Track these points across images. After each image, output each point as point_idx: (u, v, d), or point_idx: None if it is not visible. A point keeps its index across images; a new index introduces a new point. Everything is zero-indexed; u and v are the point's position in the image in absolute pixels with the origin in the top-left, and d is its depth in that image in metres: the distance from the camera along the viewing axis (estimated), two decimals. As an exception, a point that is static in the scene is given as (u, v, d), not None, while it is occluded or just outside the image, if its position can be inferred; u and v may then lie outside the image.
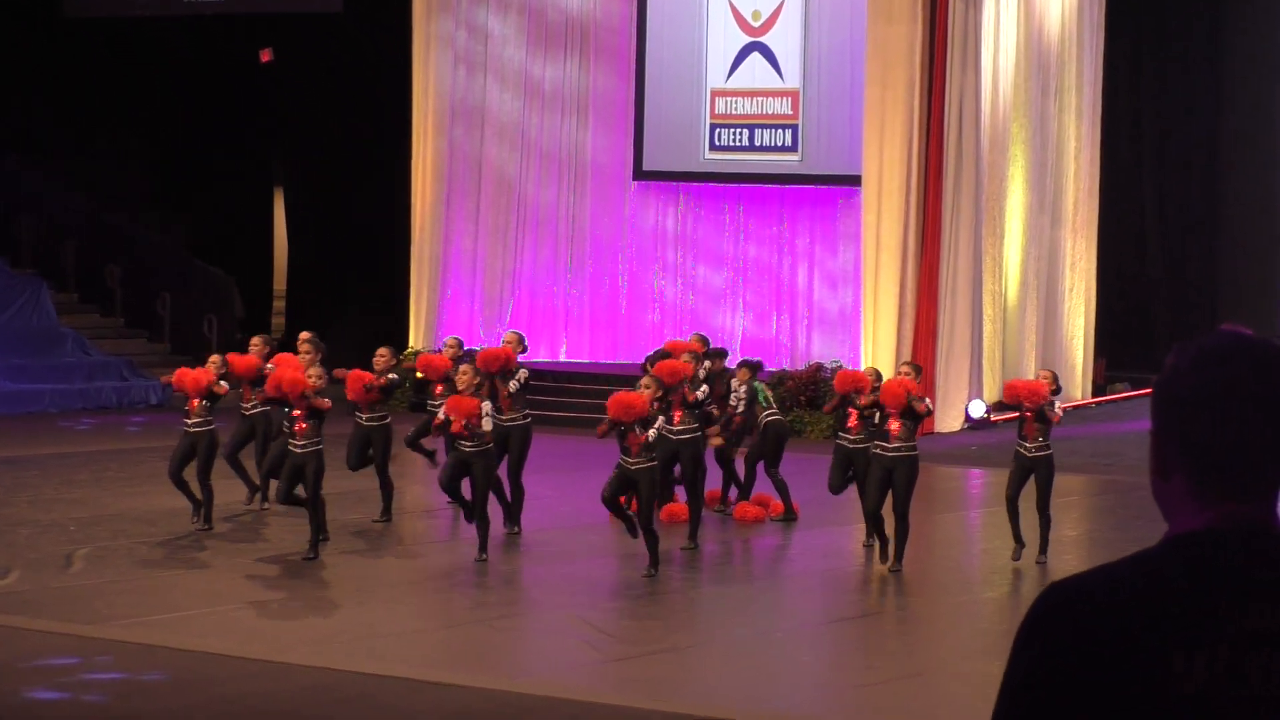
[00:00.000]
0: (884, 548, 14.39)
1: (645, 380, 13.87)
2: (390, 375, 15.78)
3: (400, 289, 25.35)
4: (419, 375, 17.16)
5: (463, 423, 13.81)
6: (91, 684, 10.74)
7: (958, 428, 22.75)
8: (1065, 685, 2.43)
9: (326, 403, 14.08)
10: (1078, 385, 25.03)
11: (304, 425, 13.99)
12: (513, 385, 15.71)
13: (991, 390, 22.88)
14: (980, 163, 22.82)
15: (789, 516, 16.29)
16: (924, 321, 22.59)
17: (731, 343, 25.19)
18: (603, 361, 25.53)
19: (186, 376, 15.12)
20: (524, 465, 15.57)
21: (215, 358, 15.54)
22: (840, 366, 20.93)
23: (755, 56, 24.63)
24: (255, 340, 16.30)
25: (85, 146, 28.26)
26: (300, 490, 14.16)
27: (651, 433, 13.67)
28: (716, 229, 25.58)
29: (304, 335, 16.02)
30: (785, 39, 24.42)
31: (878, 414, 14.44)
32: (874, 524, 14.43)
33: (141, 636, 11.66)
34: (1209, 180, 26.46)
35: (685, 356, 15.72)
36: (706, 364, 15.89)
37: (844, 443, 14.93)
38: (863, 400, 14.55)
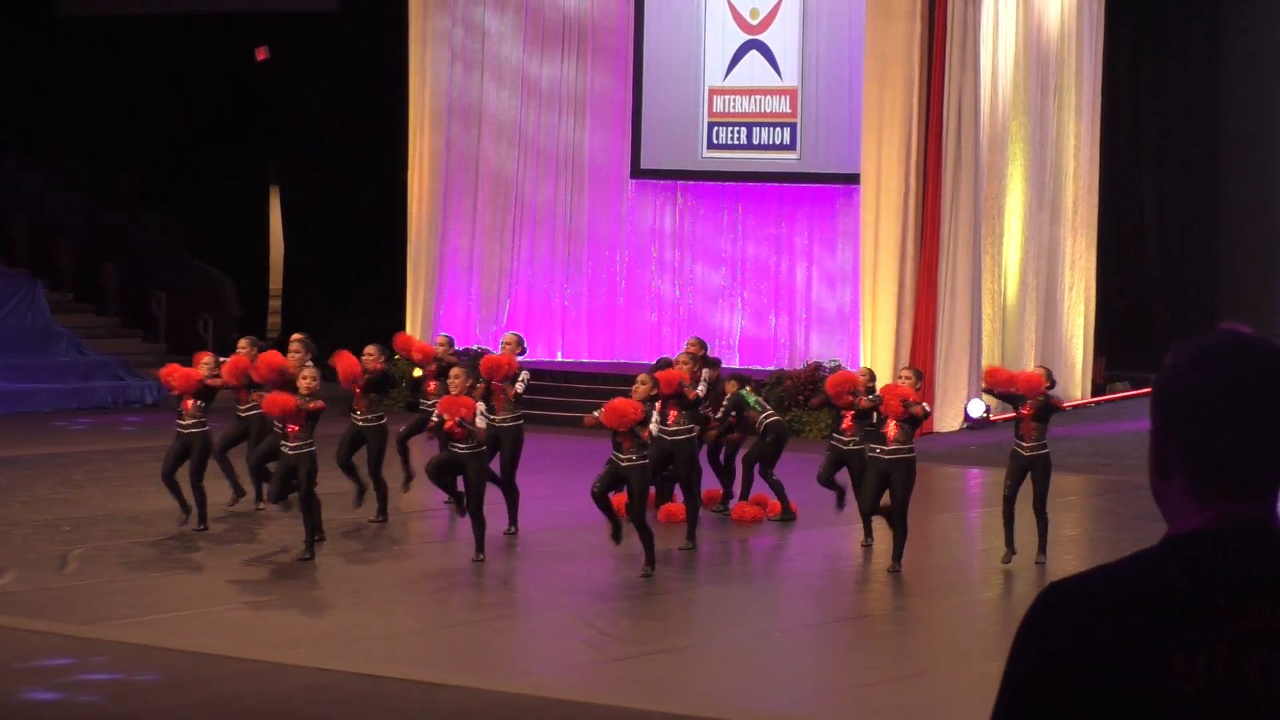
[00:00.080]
0: (868, 534, 14.51)
1: (643, 376, 13.81)
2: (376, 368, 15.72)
3: (397, 288, 25.30)
4: (416, 374, 17.11)
5: (456, 420, 13.75)
6: (87, 684, 10.74)
7: (957, 427, 22.71)
8: (1065, 685, 2.42)
9: (319, 403, 14.03)
10: (1077, 384, 24.99)
11: (295, 427, 13.93)
12: (519, 386, 15.70)
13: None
14: (979, 161, 22.77)
15: (786, 516, 16.24)
16: (923, 320, 22.55)
17: (730, 342, 25.18)
18: (600, 361, 25.48)
19: (176, 373, 15.04)
20: (517, 466, 15.52)
21: (208, 357, 15.41)
22: (839, 366, 20.87)
23: (753, 54, 24.58)
24: (243, 342, 16.17)
25: (80, 145, 28.21)
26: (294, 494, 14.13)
27: (653, 427, 13.65)
28: (714, 228, 25.53)
29: (295, 336, 15.96)
30: (783, 37, 24.37)
31: (875, 415, 14.39)
32: (870, 523, 14.42)
33: (137, 637, 11.64)
34: (1209, 179, 26.43)
35: (682, 356, 15.72)
36: (706, 373, 15.93)
37: (838, 444, 14.83)
38: (862, 402, 14.48)
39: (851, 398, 14.60)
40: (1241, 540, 2.47)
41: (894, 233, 22.60)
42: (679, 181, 25.52)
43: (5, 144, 27.44)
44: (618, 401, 13.59)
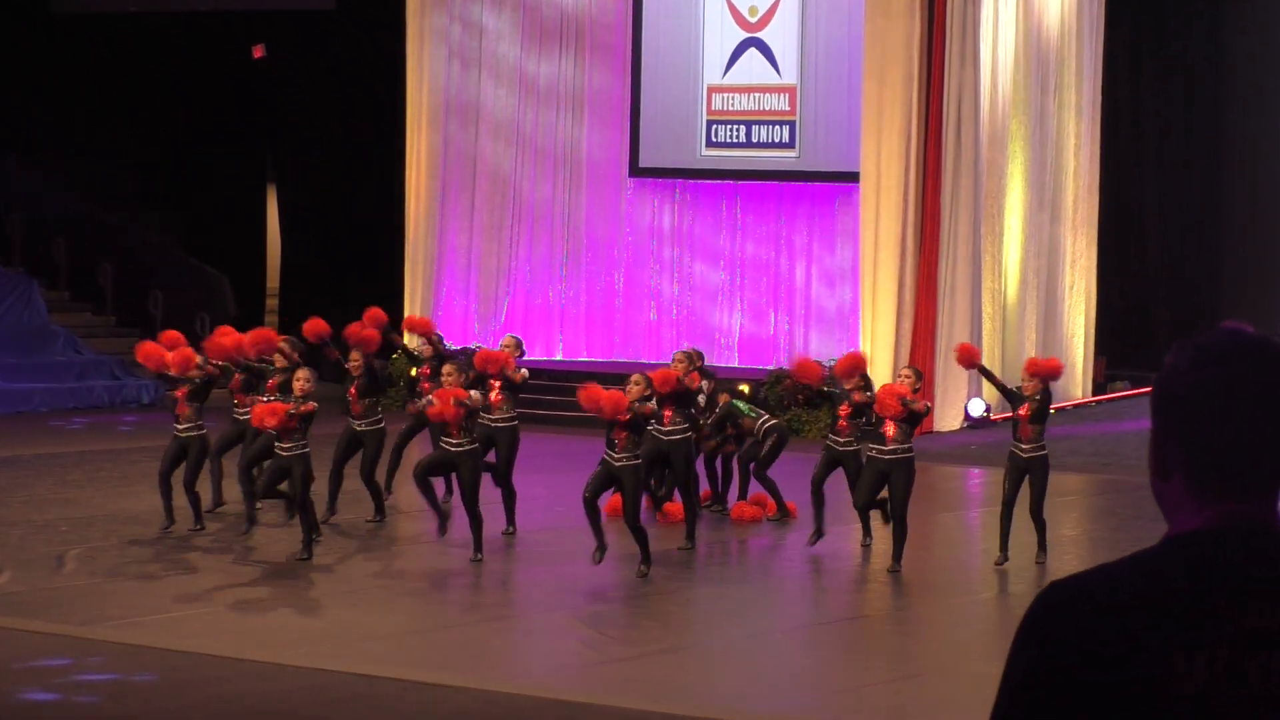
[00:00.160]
0: (866, 532, 14.37)
1: (636, 376, 13.72)
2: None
3: (395, 286, 25.25)
4: (414, 373, 17.07)
5: (451, 400, 13.65)
6: (84, 685, 10.73)
7: (957, 427, 22.67)
8: (1065, 685, 2.42)
9: (311, 405, 13.98)
10: (1078, 384, 24.95)
11: (290, 431, 13.87)
12: (524, 372, 15.68)
13: (991, 389, 22.76)
14: (979, 160, 22.73)
15: (783, 515, 16.20)
16: (923, 319, 22.51)
17: (729, 340, 25.14)
18: (599, 360, 25.43)
19: (155, 354, 14.95)
20: (513, 466, 15.46)
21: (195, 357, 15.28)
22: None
23: (752, 52, 24.53)
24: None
25: (77, 143, 28.15)
26: (284, 485, 14.08)
27: (651, 404, 13.61)
28: (713, 226, 25.48)
29: (282, 338, 15.84)
30: (782, 34, 24.32)
31: (872, 415, 14.35)
32: (866, 519, 14.35)
33: (134, 637, 11.62)
34: (1209, 177, 26.38)
35: (678, 355, 15.71)
36: (705, 385, 15.97)
37: (834, 445, 14.65)
38: (857, 396, 14.41)
39: (861, 380, 14.56)
40: (1241, 540, 2.47)
41: (894, 231, 22.56)
42: (678, 180, 25.47)
43: (0, 142, 27.38)
44: (591, 390, 13.54)
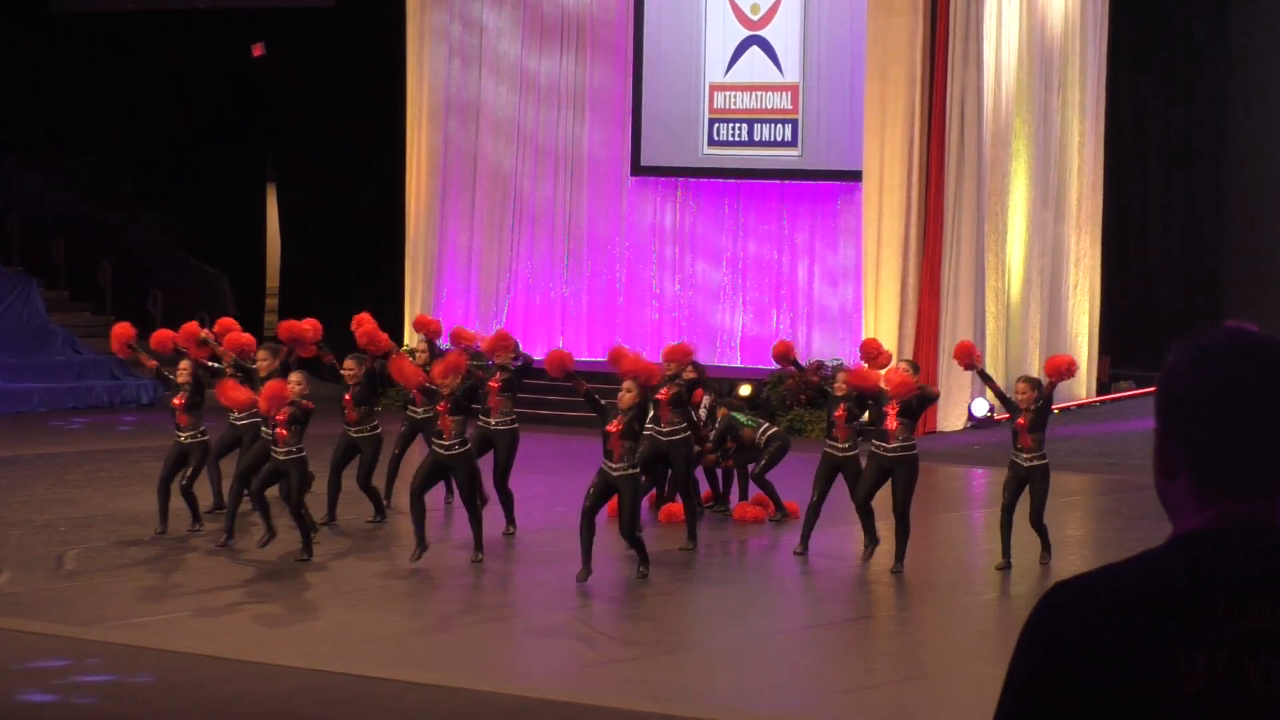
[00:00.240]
0: (869, 541, 14.23)
1: (627, 384, 13.60)
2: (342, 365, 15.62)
3: (395, 285, 25.20)
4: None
5: (460, 346, 13.64)
6: (82, 686, 10.69)
7: (960, 426, 22.61)
8: (1069, 686, 2.42)
9: (309, 403, 13.92)
10: (1082, 383, 24.88)
11: (285, 432, 13.80)
12: (520, 360, 15.67)
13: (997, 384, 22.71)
14: (982, 158, 22.67)
15: (782, 515, 16.14)
16: (926, 318, 22.44)
17: (731, 340, 25.07)
18: (600, 359, 25.34)
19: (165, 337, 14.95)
20: (511, 469, 15.39)
21: (185, 363, 15.19)
22: (842, 366, 20.75)
23: (754, 50, 24.46)
24: (262, 353, 15.95)
25: (76, 143, 28.11)
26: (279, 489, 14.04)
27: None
28: (715, 225, 25.42)
29: (262, 348, 15.62)
30: (784, 32, 24.26)
31: (871, 412, 14.27)
32: (865, 515, 14.22)
33: (133, 638, 11.60)
34: (1213, 175, 26.33)
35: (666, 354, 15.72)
36: (706, 400, 16.05)
37: (833, 451, 14.51)
38: (838, 389, 14.32)
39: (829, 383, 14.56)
40: (1242, 540, 2.47)
41: (896, 230, 22.50)
42: (679, 178, 25.41)
43: (0, 141, 27.33)
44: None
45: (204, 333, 15.69)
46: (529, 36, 25.32)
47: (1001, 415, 21.50)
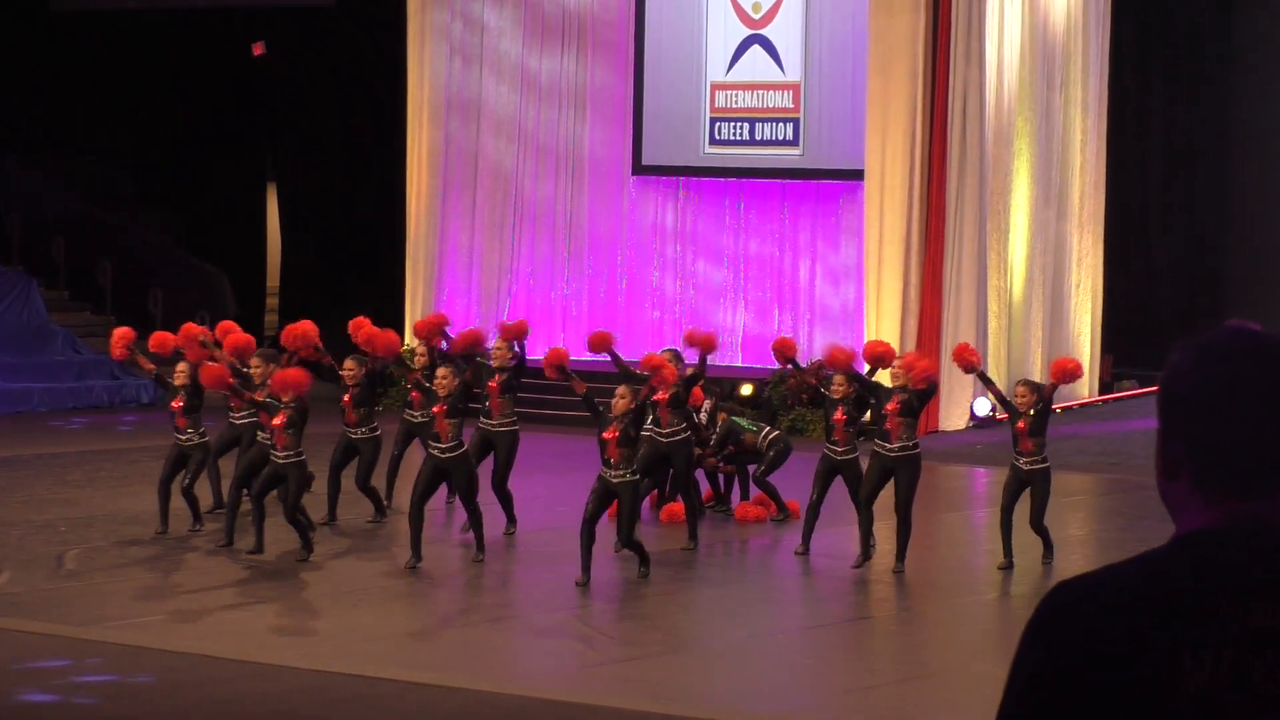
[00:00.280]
0: (865, 544, 14.13)
1: (621, 390, 13.54)
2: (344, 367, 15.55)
3: (396, 285, 25.17)
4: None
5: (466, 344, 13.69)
6: (82, 686, 10.68)
7: (962, 425, 22.57)
8: (1072, 686, 2.42)
9: (305, 402, 13.89)
10: (1084, 382, 24.83)
11: (284, 438, 13.73)
12: (517, 357, 15.65)
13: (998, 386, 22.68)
14: (984, 156, 22.62)
15: (784, 515, 16.11)
16: (928, 318, 22.41)
17: (733, 339, 25.02)
18: (601, 358, 25.28)
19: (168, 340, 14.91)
20: (510, 472, 15.34)
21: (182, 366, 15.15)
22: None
23: (756, 49, 24.43)
24: (255, 360, 15.90)
25: (76, 142, 28.08)
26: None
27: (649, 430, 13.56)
28: (717, 224, 25.38)
29: (255, 353, 15.52)
30: (786, 31, 24.22)
31: (873, 413, 14.23)
32: (865, 518, 14.15)
33: (133, 638, 11.59)
34: (1216, 174, 26.29)
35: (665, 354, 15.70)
36: (708, 404, 16.07)
37: (831, 454, 14.45)
38: (838, 392, 14.28)
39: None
40: (1244, 540, 2.46)
41: (898, 229, 22.46)
42: (681, 177, 25.37)
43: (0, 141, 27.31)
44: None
45: (203, 334, 15.58)
46: (530, 35, 25.28)
47: (1004, 414, 21.48)
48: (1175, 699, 2.40)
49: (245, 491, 14.33)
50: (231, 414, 15.49)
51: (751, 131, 24.52)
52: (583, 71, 25.36)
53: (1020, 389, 14.22)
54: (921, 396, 14.09)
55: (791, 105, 24.26)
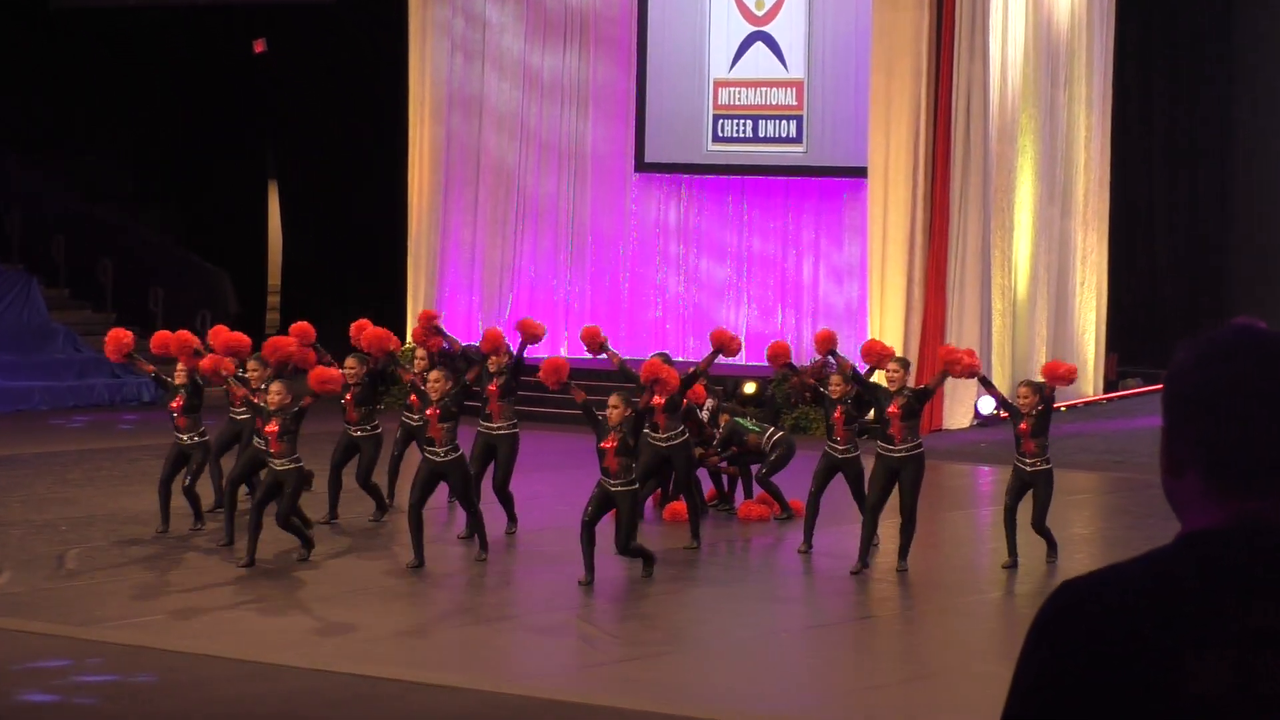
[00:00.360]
0: (864, 551, 14.04)
1: (614, 400, 13.45)
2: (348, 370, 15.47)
3: (397, 282, 25.12)
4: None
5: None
6: (82, 686, 10.66)
7: (967, 424, 22.52)
8: (1076, 686, 2.42)
9: (307, 399, 13.82)
10: (1089, 380, 24.80)
11: (279, 445, 13.65)
12: (512, 357, 15.63)
13: (1002, 385, 22.61)
14: (988, 153, 22.57)
15: (788, 514, 16.07)
16: (931, 315, 22.35)
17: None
18: (603, 357, 25.24)
19: (170, 341, 14.86)
20: (510, 475, 15.30)
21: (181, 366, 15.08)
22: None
23: (759, 46, 24.38)
24: (252, 363, 15.80)
25: (76, 141, 28.04)
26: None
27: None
28: (719, 222, 25.34)
29: (251, 360, 15.39)
30: (789, 28, 24.18)
31: (876, 412, 14.19)
32: (869, 524, 14.09)
33: (133, 638, 11.56)
34: (1220, 171, 26.25)
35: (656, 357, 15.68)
36: (709, 403, 16.02)
37: (833, 452, 14.40)
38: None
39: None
40: (1249, 539, 2.45)
41: (902, 226, 22.41)
42: (683, 175, 25.33)
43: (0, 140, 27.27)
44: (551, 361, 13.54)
45: (197, 345, 15.46)
46: (532, 32, 25.23)
47: (1005, 416, 21.43)
48: (1179, 699, 2.38)
49: (247, 491, 14.27)
50: (232, 410, 15.44)
51: (755, 129, 24.47)
52: (585, 68, 25.31)
53: (1022, 389, 14.18)
54: (921, 396, 14.04)
55: (795, 102, 24.22)
